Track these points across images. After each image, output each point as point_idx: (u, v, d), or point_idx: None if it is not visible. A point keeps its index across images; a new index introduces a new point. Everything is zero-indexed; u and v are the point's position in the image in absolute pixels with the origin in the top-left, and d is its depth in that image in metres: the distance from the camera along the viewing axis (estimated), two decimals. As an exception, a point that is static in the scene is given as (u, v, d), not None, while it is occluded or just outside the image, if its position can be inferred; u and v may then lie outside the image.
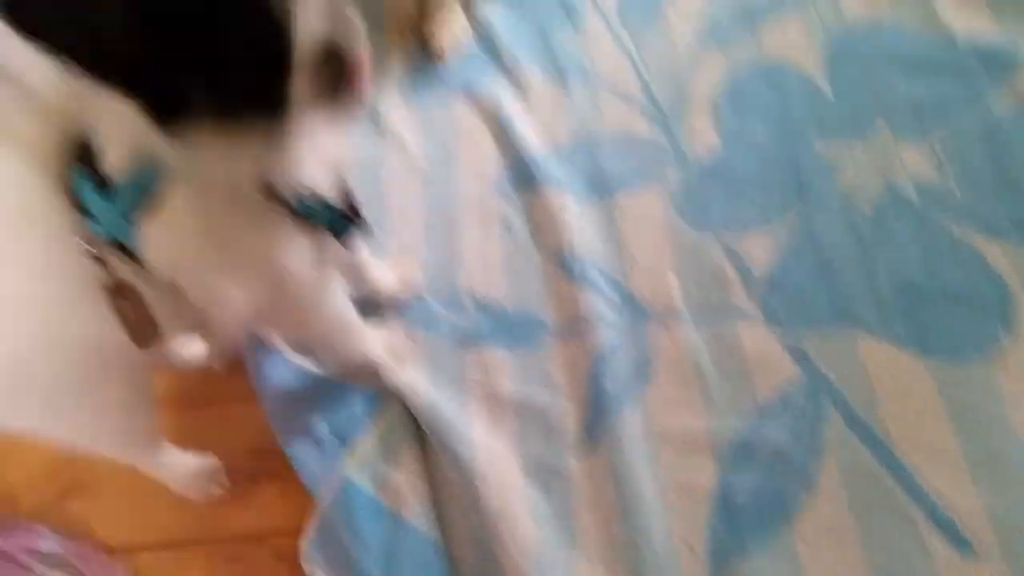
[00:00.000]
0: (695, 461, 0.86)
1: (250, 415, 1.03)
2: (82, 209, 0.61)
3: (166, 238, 0.62)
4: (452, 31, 1.25)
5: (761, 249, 0.97)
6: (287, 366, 0.99)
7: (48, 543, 1.02)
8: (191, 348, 1.04)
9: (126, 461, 0.93)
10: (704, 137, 1.07)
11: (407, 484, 0.92)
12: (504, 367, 0.97)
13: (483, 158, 1.14)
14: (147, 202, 0.60)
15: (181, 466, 0.98)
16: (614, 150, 1.09)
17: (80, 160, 0.61)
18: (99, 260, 0.62)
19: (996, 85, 1.00)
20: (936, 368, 0.85)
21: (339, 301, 0.83)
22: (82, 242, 0.61)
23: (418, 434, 0.96)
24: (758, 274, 0.95)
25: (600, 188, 1.07)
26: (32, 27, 0.46)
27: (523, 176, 1.10)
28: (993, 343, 0.86)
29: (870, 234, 0.95)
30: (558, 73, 1.19)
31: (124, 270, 0.63)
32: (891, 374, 0.86)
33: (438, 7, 1.23)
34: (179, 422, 1.03)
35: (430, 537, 0.88)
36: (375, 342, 0.94)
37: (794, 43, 1.12)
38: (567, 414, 0.92)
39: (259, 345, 1.01)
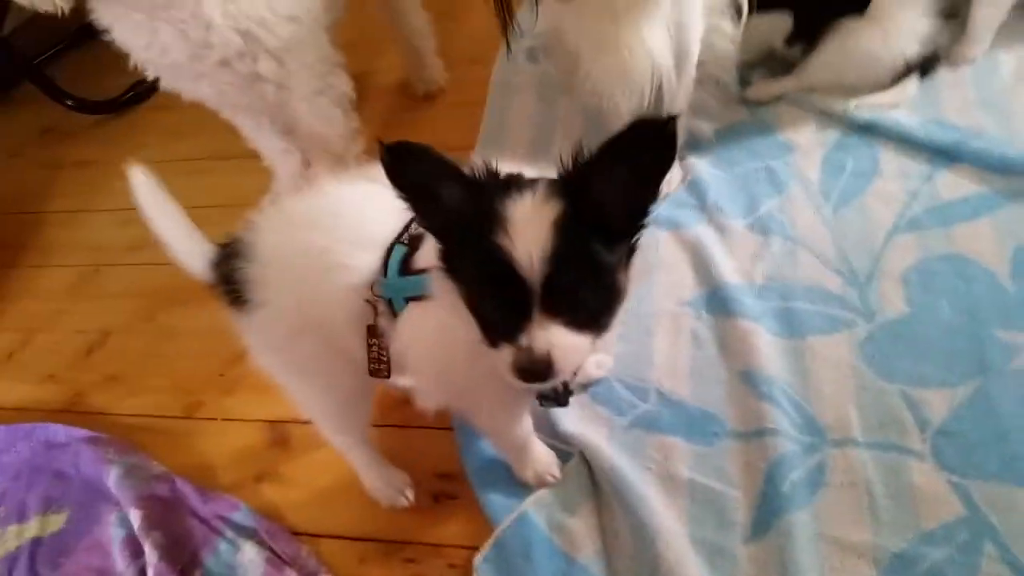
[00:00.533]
0: (856, 565, 0.94)
1: (440, 442, 1.16)
2: (385, 267, 0.81)
3: (416, 321, 0.81)
4: (668, 178, 1.44)
5: (939, 403, 1.07)
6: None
7: (241, 515, 1.14)
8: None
9: (344, 446, 1.07)
10: (893, 302, 1.20)
11: (582, 531, 1.03)
12: (682, 454, 1.08)
13: (679, 282, 1.30)
14: (424, 298, 0.79)
15: (379, 472, 1.10)
16: (806, 298, 1.23)
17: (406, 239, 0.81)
18: (371, 304, 0.82)
19: None
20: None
21: (524, 431, 1.01)
22: (369, 288, 0.81)
23: (594, 491, 1.06)
24: (934, 423, 1.05)
25: (790, 327, 1.20)
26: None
27: (716, 302, 1.25)
28: None
29: (1044, 411, 1.02)
30: (758, 224, 1.35)
31: (384, 319, 0.83)
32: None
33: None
34: (379, 437, 1.15)
35: (600, 578, 0.96)
36: (534, 462, 1.07)
37: (983, 242, 1.24)
38: (739, 505, 1.01)
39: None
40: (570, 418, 1.13)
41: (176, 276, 1.56)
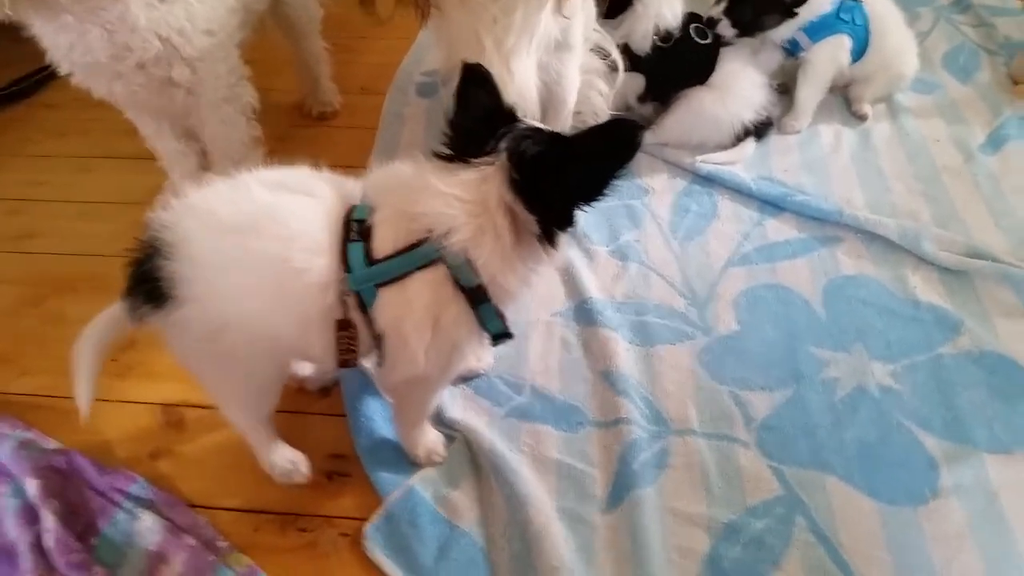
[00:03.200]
0: (693, 532, 1.11)
1: (332, 426, 1.27)
2: (345, 263, 0.91)
3: (398, 303, 0.91)
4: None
5: (761, 403, 1.28)
6: (380, 402, 1.26)
7: (138, 488, 1.19)
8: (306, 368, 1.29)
9: (247, 426, 1.14)
10: (726, 321, 1.41)
11: (464, 502, 1.15)
12: (551, 439, 1.23)
13: (552, 295, 1.46)
14: (398, 280, 0.91)
15: (277, 450, 1.18)
16: (656, 314, 1.43)
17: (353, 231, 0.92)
18: (341, 300, 0.92)
19: (944, 338, 1.36)
20: (880, 509, 1.14)
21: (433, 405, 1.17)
22: (335, 285, 0.91)
23: (474, 469, 1.19)
24: (757, 419, 1.25)
25: (642, 337, 1.38)
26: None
27: (583, 313, 1.42)
28: (921, 498, 1.14)
29: (843, 412, 1.26)
30: (619, 251, 1.55)
31: (354, 313, 0.92)
32: (848, 506, 1.14)
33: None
34: (275, 422, 1.22)
35: (478, 543, 1.10)
36: (425, 443, 1.20)
37: (800, 276, 1.49)
38: (596, 481, 1.17)
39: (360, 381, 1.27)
40: (455, 407, 1.27)
41: (65, 266, 1.60)
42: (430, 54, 2.20)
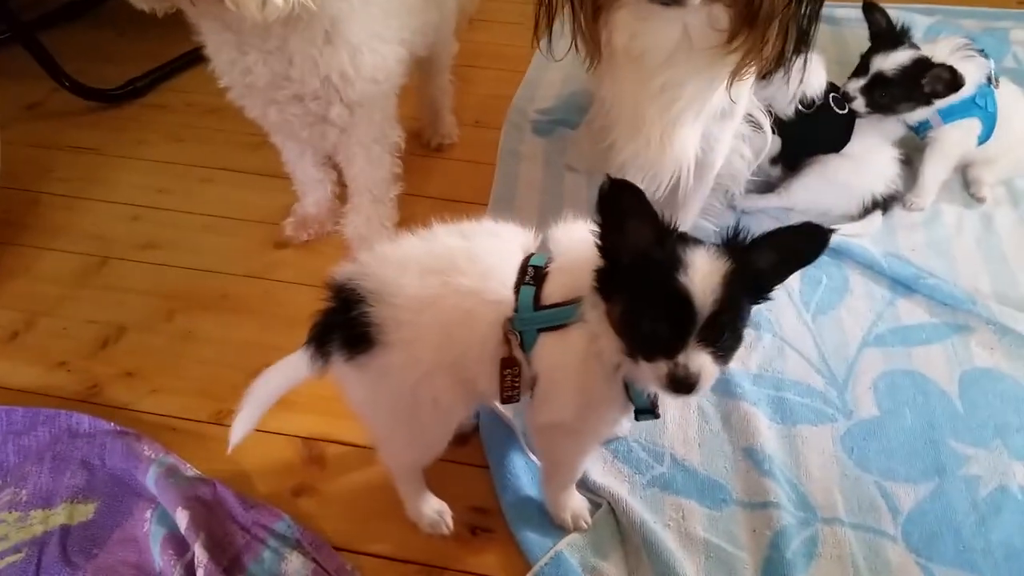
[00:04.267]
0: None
1: (475, 477, 1.26)
2: (516, 304, 0.93)
3: (553, 352, 0.93)
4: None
5: (906, 496, 1.26)
6: (525, 459, 1.25)
7: (284, 526, 1.18)
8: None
9: (401, 472, 1.14)
10: (865, 405, 1.39)
11: (613, 574, 1.12)
12: (696, 516, 1.22)
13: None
14: (557, 329, 0.92)
15: (424, 498, 1.17)
16: (795, 391, 1.41)
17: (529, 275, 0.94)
18: (506, 338, 0.93)
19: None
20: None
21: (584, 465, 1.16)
22: (505, 323, 0.93)
23: (622, 540, 1.18)
24: (903, 512, 1.24)
25: (782, 415, 1.37)
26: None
27: (720, 383, 1.39)
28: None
29: (988, 512, 1.24)
30: (752, 321, 1.52)
31: (517, 352, 0.95)
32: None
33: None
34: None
35: (631, 618, 1.08)
36: (572, 506, 1.19)
37: (936, 365, 1.47)
38: (748, 566, 1.16)
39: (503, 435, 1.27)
40: (596, 471, 1.25)
41: (192, 280, 1.60)
42: (543, 89, 2.21)
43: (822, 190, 1.76)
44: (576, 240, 0.95)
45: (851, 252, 1.68)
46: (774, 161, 1.80)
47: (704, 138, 1.40)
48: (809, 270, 1.63)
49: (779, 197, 1.79)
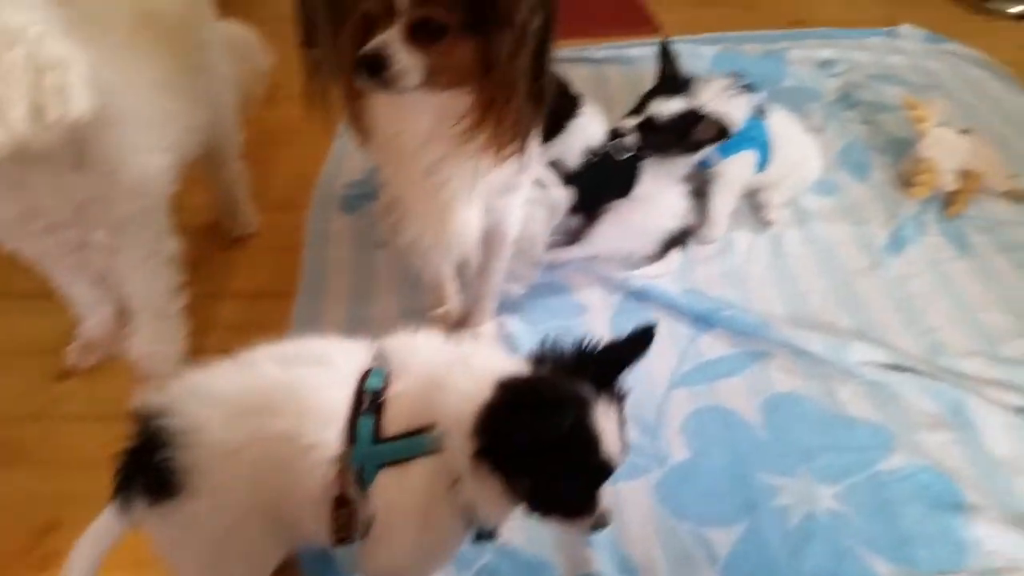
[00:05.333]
0: None
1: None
2: (352, 436, 0.87)
3: (394, 489, 0.88)
4: (485, 334, 1.61)
5: (721, 540, 1.30)
6: None
7: None
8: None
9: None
10: (677, 449, 1.43)
11: None
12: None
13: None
14: (401, 463, 0.88)
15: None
16: (610, 446, 1.42)
17: (365, 402, 0.89)
18: (339, 473, 0.87)
19: (879, 455, 1.42)
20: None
21: None
22: (340, 457, 0.87)
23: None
24: (720, 558, 1.27)
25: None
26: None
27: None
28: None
29: (798, 542, 1.30)
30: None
31: (352, 489, 0.88)
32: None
33: (477, 315, 1.61)
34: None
35: None
36: None
37: (739, 396, 1.53)
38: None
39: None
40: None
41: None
42: (350, 162, 2.16)
43: (619, 235, 1.81)
44: (416, 357, 0.92)
45: (653, 294, 1.74)
46: (573, 211, 1.84)
47: (491, 212, 1.40)
48: (615, 316, 1.69)
49: (582, 247, 1.82)
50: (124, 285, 1.41)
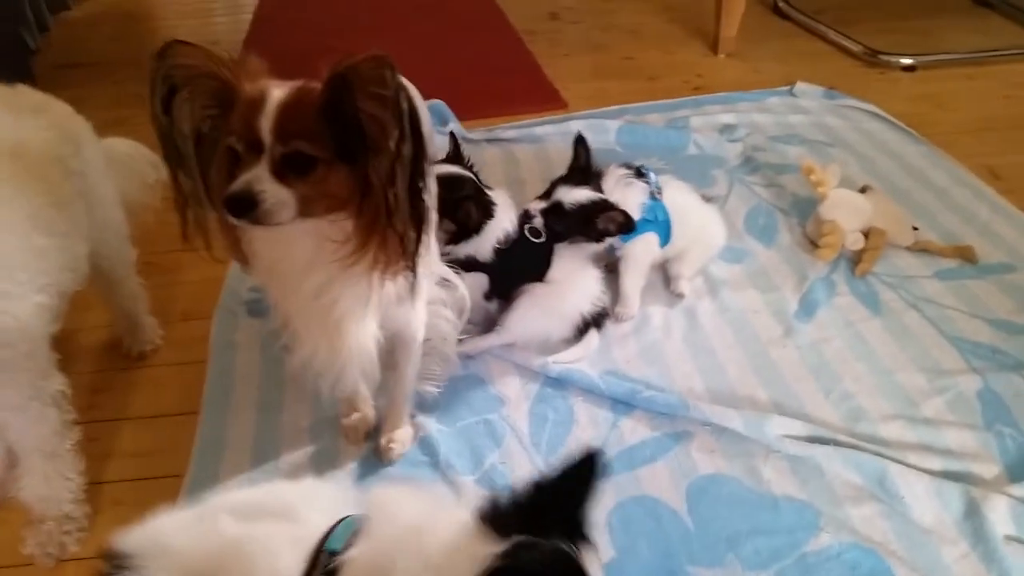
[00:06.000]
0: None
1: None
2: None
3: None
4: (401, 440, 1.55)
5: (653, 645, 1.24)
6: None
7: None
8: None
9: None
10: (602, 548, 1.37)
11: None
12: None
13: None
14: None
15: None
16: (534, 552, 1.37)
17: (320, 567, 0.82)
18: None
19: (806, 535, 1.39)
20: None
21: None
22: None
23: None
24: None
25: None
26: None
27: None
28: None
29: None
30: (485, 479, 1.51)
31: None
32: None
33: (393, 419, 1.55)
34: None
35: None
36: None
37: (663, 483, 1.50)
38: None
39: None
40: None
41: None
42: (255, 264, 2.11)
43: (535, 320, 1.79)
44: (398, 519, 0.83)
45: (572, 379, 1.71)
46: (488, 296, 1.82)
47: (392, 320, 1.36)
48: (535, 406, 1.66)
49: (498, 335, 1.80)
50: (7, 432, 1.33)
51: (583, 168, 1.88)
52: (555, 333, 1.81)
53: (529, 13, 3.82)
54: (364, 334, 1.27)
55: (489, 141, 2.66)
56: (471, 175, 1.79)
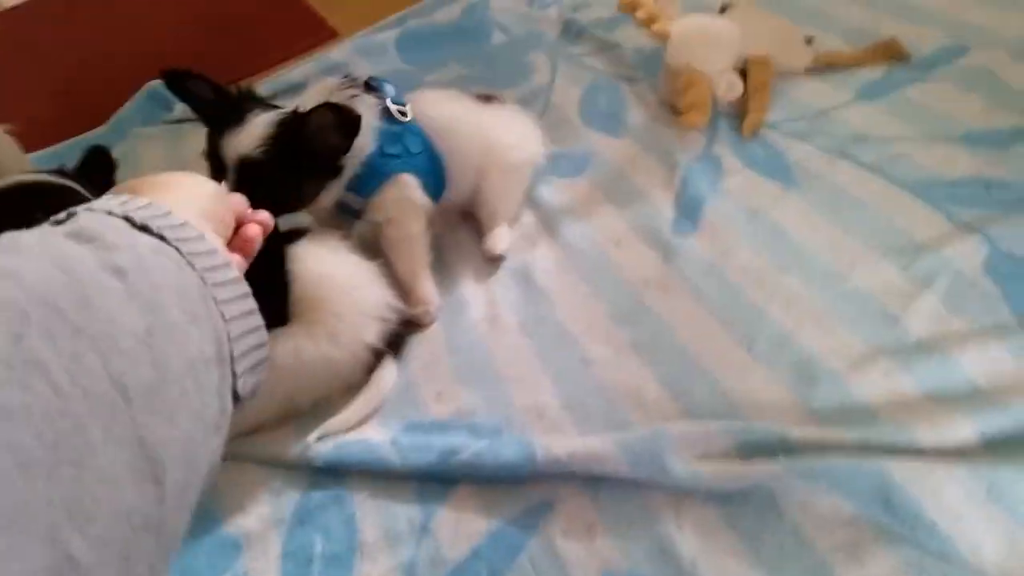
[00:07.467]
0: None
1: None
2: None
3: None
4: None
5: None
6: None
7: None
8: None
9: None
10: None
11: None
12: None
13: None
14: None
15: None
16: None
17: None
18: None
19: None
20: None
21: None
22: None
23: None
24: None
25: None
26: None
27: None
28: None
29: None
30: None
31: None
32: None
33: None
34: None
35: None
36: None
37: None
38: None
39: None
40: None
41: None
42: None
43: (290, 383, 1.06)
44: None
45: (350, 459, 1.02)
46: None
47: None
48: (291, 533, 0.97)
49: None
50: None
51: (219, 103, 1.09)
52: (319, 390, 1.10)
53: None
54: None
55: (283, 92, 1.86)
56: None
